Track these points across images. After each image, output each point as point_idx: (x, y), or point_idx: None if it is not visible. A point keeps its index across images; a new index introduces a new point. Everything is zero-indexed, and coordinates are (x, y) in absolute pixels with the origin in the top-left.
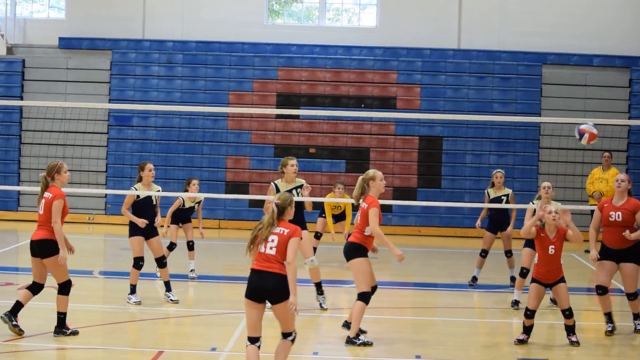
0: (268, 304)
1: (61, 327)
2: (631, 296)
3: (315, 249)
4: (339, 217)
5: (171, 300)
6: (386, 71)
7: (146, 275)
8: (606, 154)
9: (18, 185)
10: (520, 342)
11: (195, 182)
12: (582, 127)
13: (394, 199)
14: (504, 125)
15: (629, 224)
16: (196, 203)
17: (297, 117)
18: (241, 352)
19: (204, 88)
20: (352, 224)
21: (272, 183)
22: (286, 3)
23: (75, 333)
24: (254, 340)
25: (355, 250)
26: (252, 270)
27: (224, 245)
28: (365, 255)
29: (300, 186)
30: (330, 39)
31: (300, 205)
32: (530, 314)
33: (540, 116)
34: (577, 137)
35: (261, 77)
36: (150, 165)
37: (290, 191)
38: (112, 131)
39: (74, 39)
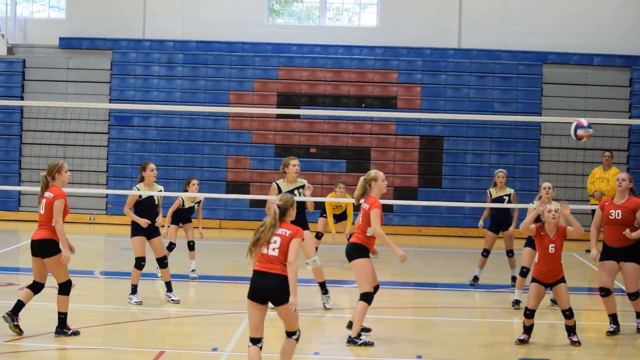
0: (270, 305)
1: (62, 327)
2: (632, 296)
3: (316, 248)
4: (340, 217)
5: (172, 300)
6: (387, 71)
7: (147, 276)
8: (607, 153)
9: (19, 185)
10: (521, 342)
11: (194, 182)
12: (580, 132)
13: (394, 198)
14: (505, 125)
15: (629, 223)
16: (196, 203)
17: (297, 116)
18: (242, 352)
19: (204, 88)
20: (353, 223)
21: (274, 183)
22: (286, 3)
23: (76, 333)
24: (256, 341)
25: (357, 250)
26: (255, 272)
27: (224, 245)
28: (367, 256)
29: (302, 186)
30: (331, 39)
31: (302, 206)
32: (529, 313)
33: (540, 115)
34: (573, 136)
35: (262, 77)
36: (152, 165)
37: (292, 191)
38: (113, 131)
39: (74, 39)
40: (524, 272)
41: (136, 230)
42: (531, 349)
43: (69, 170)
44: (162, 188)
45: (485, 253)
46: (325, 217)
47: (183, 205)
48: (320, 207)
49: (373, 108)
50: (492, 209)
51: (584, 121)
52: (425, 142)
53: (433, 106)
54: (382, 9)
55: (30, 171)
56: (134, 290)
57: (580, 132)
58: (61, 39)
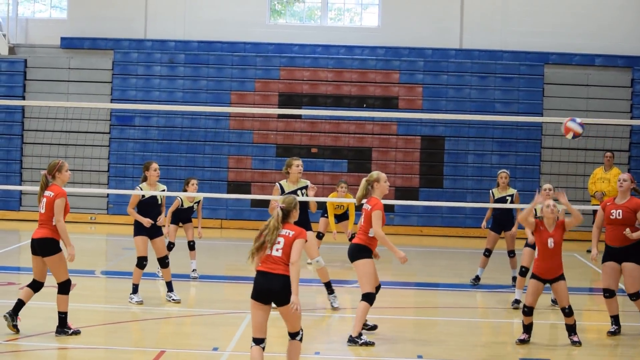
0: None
1: (63, 326)
2: (633, 296)
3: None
4: (342, 217)
5: (173, 300)
6: (388, 71)
7: (148, 275)
8: (608, 154)
9: (20, 185)
10: (522, 342)
11: (194, 182)
12: (570, 124)
13: (396, 198)
14: (506, 125)
15: (629, 223)
16: (195, 203)
17: (299, 116)
18: (243, 351)
19: (206, 88)
20: (355, 223)
21: (277, 184)
22: (288, 3)
23: (77, 333)
24: (259, 341)
25: (359, 251)
26: (258, 272)
27: (225, 245)
28: (370, 257)
29: (306, 187)
30: (332, 39)
31: (304, 206)
32: (527, 310)
33: (542, 116)
34: (563, 129)
35: (263, 77)
36: (155, 165)
37: (295, 192)
38: (114, 131)
39: (76, 39)
40: (523, 272)
41: (139, 229)
42: (532, 349)
43: (70, 170)
44: (165, 187)
45: (487, 253)
46: (327, 217)
47: (182, 205)
48: (321, 207)
49: (374, 108)
50: (494, 209)
51: (578, 125)
52: (426, 143)
53: (434, 106)
54: (383, 9)
55: (31, 171)
56: (135, 289)
57: (570, 124)
58: (63, 38)
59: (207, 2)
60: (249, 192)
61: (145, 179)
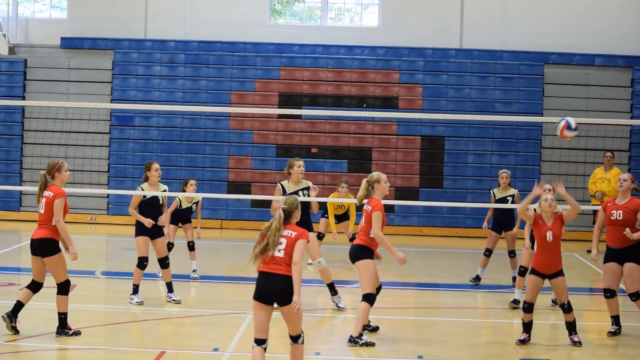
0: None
1: (63, 327)
2: (633, 296)
3: None
4: (342, 217)
5: (173, 300)
6: (388, 71)
7: (148, 276)
8: (608, 153)
9: (20, 185)
10: (522, 342)
11: (192, 182)
12: (566, 133)
13: (396, 199)
14: (506, 125)
15: (629, 223)
16: (194, 203)
17: (299, 117)
18: (243, 352)
19: (206, 88)
20: (356, 224)
21: (278, 184)
22: (288, 3)
23: (77, 333)
24: (260, 342)
25: (361, 252)
26: (260, 273)
27: (226, 246)
28: (371, 257)
29: (307, 188)
30: (332, 39)
31: (306, 207)
32: (527, 307)
33: (542, 116)
34: (557, 131)
35: (263, 77)
36: (156, 165)
37: (296, 193)
38: (114, 131)
39: (75, 39)
40: (522, 272)
41: (140, 230)
42: (532, 350)
43: (70, 170)
44: (166, 188)
45: (488, 252)
46: (327, 217)
47: (180, 205)
48: (322, 207)
49: (374, 108)
50: (495, 209)
51: (572, 123)
52: (426, 143)
53: (434, 106)
54: (383, 9)
55: (31, 171)
56: (136, 290)
57: (567, 133)
58: (63, 38)
59: (207, 2)
60: (249, 193)
61: (146, 179)
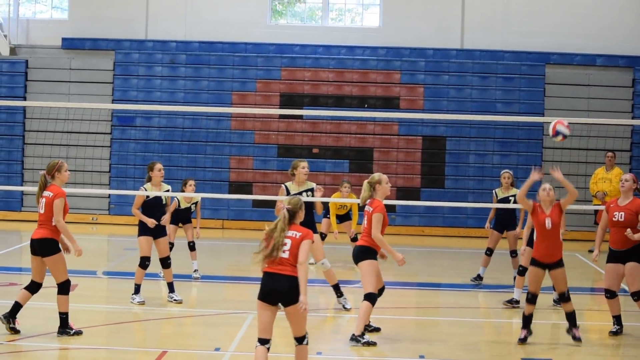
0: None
1: (64, 327)
2: (635, 295)
3: None
4: (344, 217)
5: (175, 300)
6: (389, 71)
7: (149, 276)
8: (609, 154)
9: (21, 185)
10: (522, 341)
11: (191, 182)
12: (560, 129)
13: (397, 199)
14: (507, 125)
15: (631, 225)
16: (193, 204)
17: (300, 117)
18: (245, 352)
19: (207, 88)
20: (359, 223)
21: (282, 185)
22: (289, 3)
23: (79, 333)
24: (264, 341)
25: (364, 252)
26: (265, 273)
27: (227, 246)
28: (375, 258)
29: (311, 189)
30: (333, 39)
31: (309, 207)
32: (531, 297)
33: (543, 116)
34: (551, 131)
35: (264, 78)
36: (159, 165)
37: (300, 194)
38: (115, 131)
39: (76, 40)
40: (522, 271)
41: (143, 229)
42: (534, 349)
43: (71, 171)
44: (169, 188)
45: (489, 252)
46: (329, 217)
47: (179, 205)
48: (324, 207)
49: (376, 108)
50: (497, 209)
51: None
52: (427, 143)
53: (436, 107)
54: (384, 9)
55: (32, 171)
56: (137, 290)
57: (560, 129)
58: (64, 39)
59: (208, 2)
60: (250, 193)
61: (149, 180)
